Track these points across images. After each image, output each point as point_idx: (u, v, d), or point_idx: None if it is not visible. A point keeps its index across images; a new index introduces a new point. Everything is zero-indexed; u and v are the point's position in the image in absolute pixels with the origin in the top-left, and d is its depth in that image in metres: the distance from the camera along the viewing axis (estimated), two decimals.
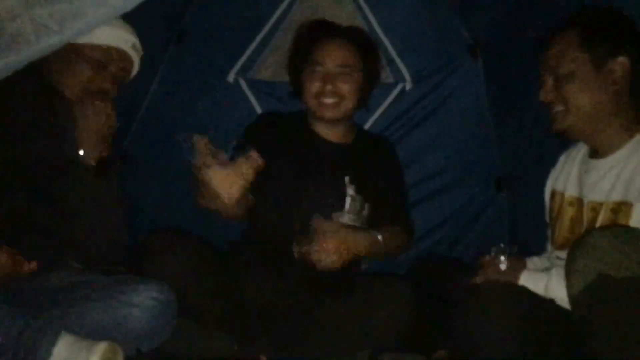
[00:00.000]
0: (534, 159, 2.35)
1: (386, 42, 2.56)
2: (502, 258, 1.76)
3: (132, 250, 1.88)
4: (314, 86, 2.07)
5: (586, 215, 1.69)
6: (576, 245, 1.40)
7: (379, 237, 1.98)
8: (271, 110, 2.38)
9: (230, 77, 2.61)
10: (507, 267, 1.74)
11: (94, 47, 1.80)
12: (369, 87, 2.17)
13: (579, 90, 1.64)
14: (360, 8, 2.56)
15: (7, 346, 1.34)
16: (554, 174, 1.89)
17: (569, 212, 1.75)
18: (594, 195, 1.68)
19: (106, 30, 1.79)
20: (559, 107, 1.68)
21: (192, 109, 2.57)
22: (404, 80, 2.60)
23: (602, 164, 1.68)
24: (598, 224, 1.63)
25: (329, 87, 2.05)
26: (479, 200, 2.64)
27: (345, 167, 2.09)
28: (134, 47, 1.87)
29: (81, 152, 1.75)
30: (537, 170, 2.06)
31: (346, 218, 2.02)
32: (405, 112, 2.62)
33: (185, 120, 2.55)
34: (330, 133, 2.14)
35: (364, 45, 2.14)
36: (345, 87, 2.07)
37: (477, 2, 2.50)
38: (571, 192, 1.77)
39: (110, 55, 1.83)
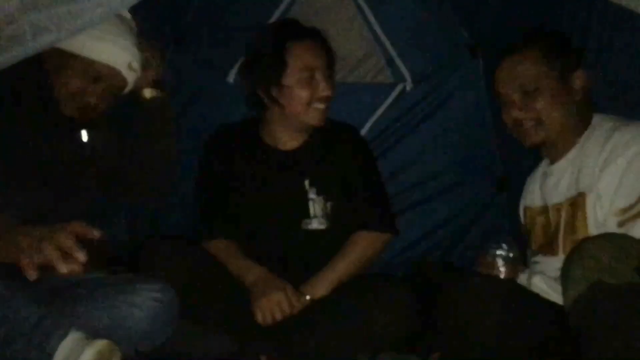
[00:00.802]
0: (534, 159, 2.35)
1: (386, 42, 2.56)
2: (501, 263, 1.75)
3: (132, 254, 1.88)
4: (307, 93, 1.95)
5: (552, 217, 1.79)
6: (571, 254, 1.43)
7: (339, 275, 1.93)
8: (224, 123, 2.25)
9: (230, 77, 2.61)
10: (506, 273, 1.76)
11: (85, 61, 1.71)
12: None
13: (550, 103, 1.73)
14: (360, 8, 2.56)
15: (21, 334, 1.34)
16: (524, 194, 1.99)
17: (539, 221, 1.86)
18: (555, 198, 1.79)
19: (103, 46, 1.71)
20: (530, 123, 1.76)
21: (192, 109, 2.57)
22: (404, 80, 2.60)
23: (557, 167, 1.80)
24: (562, 223, 1.74)
25: (325, 94, 1.97)
26: (480, 201, 2.65)
27: (302, 171, 2.03)
28: (130, 67, 1.75)
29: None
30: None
31: (315, 223, 2.00)
32: (405, 112, 2.62)
33: (186, 121, 2.56)
34: (288, 141, 2.06)
35: (331, 47, 2.06)
36: (331, 92, 1.99)
37: (477, 2, 2.50)
38: (537, 203, 1.89)
39: (101, 72, 1.72)
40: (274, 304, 1.87)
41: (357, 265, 1.98)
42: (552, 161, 1.83)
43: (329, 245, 2.00)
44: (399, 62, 2.58)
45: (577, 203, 1.70)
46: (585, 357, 1.33)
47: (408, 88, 2.60)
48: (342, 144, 2.09)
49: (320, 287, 1.93)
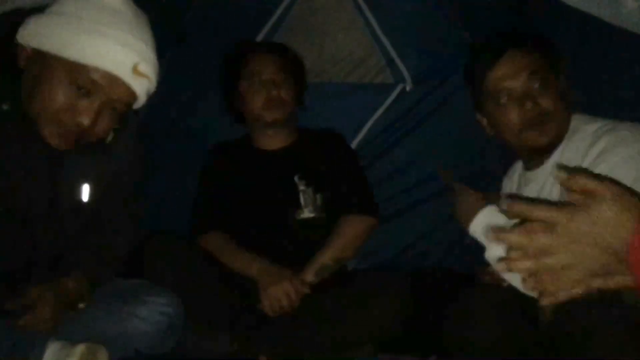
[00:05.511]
0: None
1: (386, 42, 2.56)
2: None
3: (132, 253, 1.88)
4: (259, 96, 2.12)
5: None
6: None
7: (327, 257, 2.02)
8: (216, 143, 2.33)
9: None
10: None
11: (74, 66, 1.23)
12: (300, 97, 2.24)
13: (556, 99, 1.66)
14: (360, 8, 2.56)
15: None
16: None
17: None
18: None
19: (96, 42, 1.23)
20: (541, 118, 1.66)
21: (192, 109, 2.57)
22: (404, 81, 2.60)
23: (538, 174, 1.73)
24: None
25: (274, 93, 2.12)
26: None
27: (292, 167, 2.15)
28: (135, 70, 1.25)
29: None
30: None
31: (305, 212, 2.11)
32: (405, 113, 2.62)
33: (185, 121, 2.56)
34: (274, 141, 2.20)
35: (289, 57, 2.23)
36: (286, 94, 2.15)
37: (477, 2, 2.50)
38: None
39: (94, 81, 1.25)
40: (281, 293, 1.92)
41: (345, 247, 2.07)
42: (530, 167, 1.77)
43: (320, 232, 2.09)
44: (399, 62, 2.58)
45: None
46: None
47: (408, 88, 2.60)
48: (327, 143, 2.24)
49: (310, 272, 2.00)
